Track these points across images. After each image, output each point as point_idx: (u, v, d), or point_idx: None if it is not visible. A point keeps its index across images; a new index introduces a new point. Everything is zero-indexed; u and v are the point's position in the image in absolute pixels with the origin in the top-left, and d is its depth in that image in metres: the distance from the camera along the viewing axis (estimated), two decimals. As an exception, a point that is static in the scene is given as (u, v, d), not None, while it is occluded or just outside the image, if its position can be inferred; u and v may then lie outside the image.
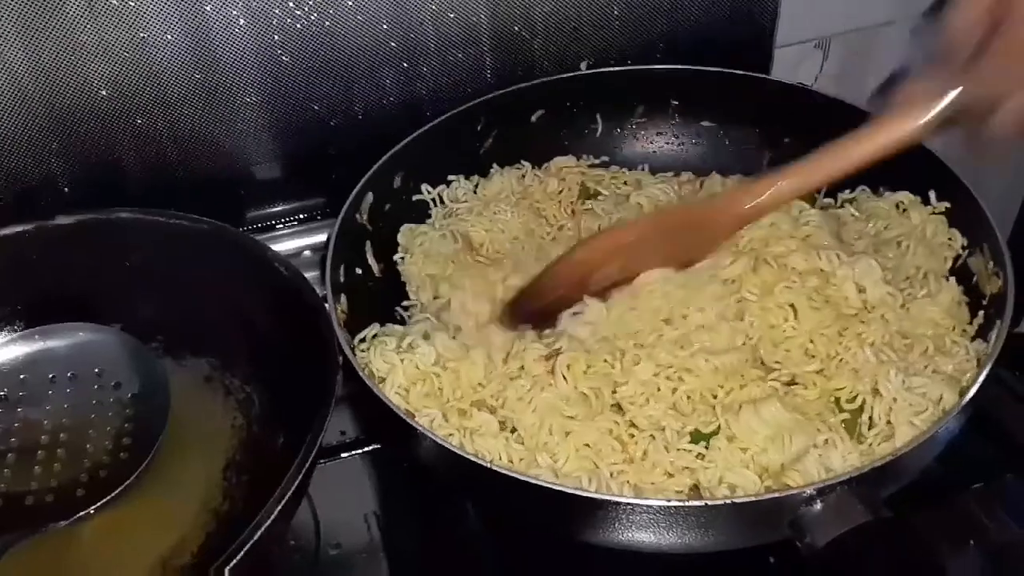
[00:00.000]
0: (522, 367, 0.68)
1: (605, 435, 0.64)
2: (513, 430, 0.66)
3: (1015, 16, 0.56)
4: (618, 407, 0.66)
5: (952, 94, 0.59)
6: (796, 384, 0.67)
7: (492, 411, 0.67)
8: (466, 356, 0.69)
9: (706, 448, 0.63)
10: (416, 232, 0.81)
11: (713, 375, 0.66)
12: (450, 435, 0.65)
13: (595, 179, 0.86)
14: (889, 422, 0.63)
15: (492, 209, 0.82)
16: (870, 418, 0.64)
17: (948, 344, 0.68)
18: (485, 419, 0.66)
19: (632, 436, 0.65)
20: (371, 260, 0.78)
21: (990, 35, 0.57)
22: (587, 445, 0.64)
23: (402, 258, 0.80)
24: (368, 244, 0.79)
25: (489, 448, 0.64)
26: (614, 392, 0.66)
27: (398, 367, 0.68)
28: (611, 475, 0.62)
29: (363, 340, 0.71)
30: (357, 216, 0.77)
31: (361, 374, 0.64)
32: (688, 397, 0.65)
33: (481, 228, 0.81)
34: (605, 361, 0.67)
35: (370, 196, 0.78)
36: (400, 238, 0.81)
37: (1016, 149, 1.12)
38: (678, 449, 0.63)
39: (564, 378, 0.66)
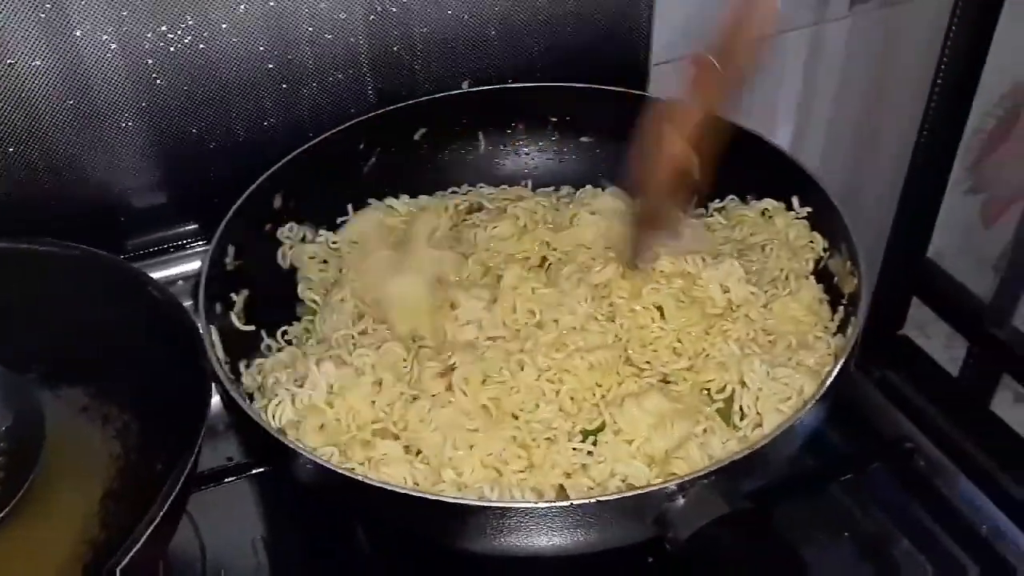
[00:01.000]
0: (420, 387, 0.68)
1: (509, 443, 0.65)
2: (418, 452, 0.66)
3: None
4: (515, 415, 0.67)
5: None
6: (669, 382, 0.69)
7: (396, 437, 0.67)
8: (356, 383, 0.68)
9: (595, 444, 0.65)
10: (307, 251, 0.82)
11: (590, 373, 0.68)
12: (352, 469, 0.64)
13: (478, 196, 0.87)
14: (759, 412, 0.66)
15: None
16: (741, 407, 0.67)
17: (811, 340, 0.71)
18: (389, 446, 0.66)
19: (534, 440, 0.66)
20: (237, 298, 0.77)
21: None
22: (491, 455, 0.64)
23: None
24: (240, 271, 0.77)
25: (391, 473, 0.64)
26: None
27: (287, 400, 0.68)
28: (515, 482, 0.63)
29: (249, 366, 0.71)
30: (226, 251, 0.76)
31: (235, 395, 0.64)
32: (572, 398, 0.67)
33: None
34: (502, 369, 0.68)
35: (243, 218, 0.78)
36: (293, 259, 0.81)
37: (888, 158, 1.18)
38: (573, 449, 0.65)
39: (463, 392, 0.67)
